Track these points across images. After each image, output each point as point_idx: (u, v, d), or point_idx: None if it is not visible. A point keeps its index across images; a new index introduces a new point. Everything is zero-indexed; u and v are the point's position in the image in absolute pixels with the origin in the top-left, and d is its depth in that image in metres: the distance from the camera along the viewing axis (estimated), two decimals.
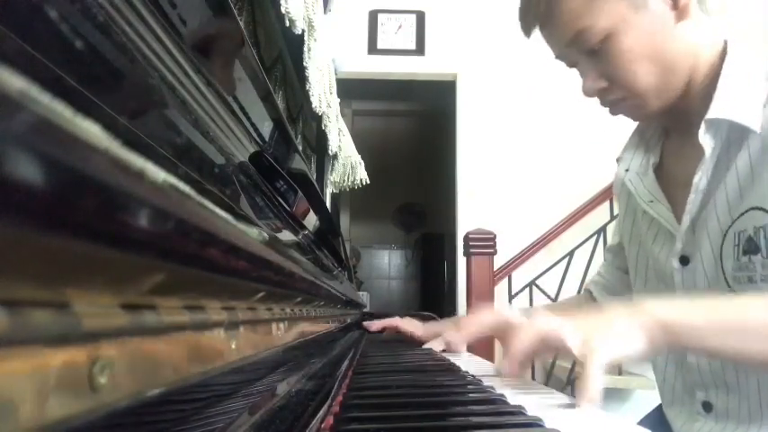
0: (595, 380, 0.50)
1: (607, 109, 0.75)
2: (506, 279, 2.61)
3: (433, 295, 5.01)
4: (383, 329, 1.22)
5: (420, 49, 3.33)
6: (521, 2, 0.74)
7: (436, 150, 4.88)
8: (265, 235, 0.30)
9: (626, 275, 0.94)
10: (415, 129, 5.53)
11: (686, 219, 0.73)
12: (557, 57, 0.75)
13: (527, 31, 0.75)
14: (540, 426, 0.39)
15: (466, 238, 2.35)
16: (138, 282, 0.17)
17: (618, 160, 0.87)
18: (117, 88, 0.22)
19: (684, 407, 0.78)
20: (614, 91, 0.71)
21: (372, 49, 3.33)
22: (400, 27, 3.35)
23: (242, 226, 0.25)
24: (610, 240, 1.01)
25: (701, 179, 0.70)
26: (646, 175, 0.81)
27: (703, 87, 0.70)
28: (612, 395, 2.49)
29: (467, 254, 2.35)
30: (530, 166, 3.17)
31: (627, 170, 0.84)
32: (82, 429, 0.13)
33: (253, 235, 0.26)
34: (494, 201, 3.16)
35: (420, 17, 3.35)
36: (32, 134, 0.10)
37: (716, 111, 0.67)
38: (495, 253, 2.35)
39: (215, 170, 0.33)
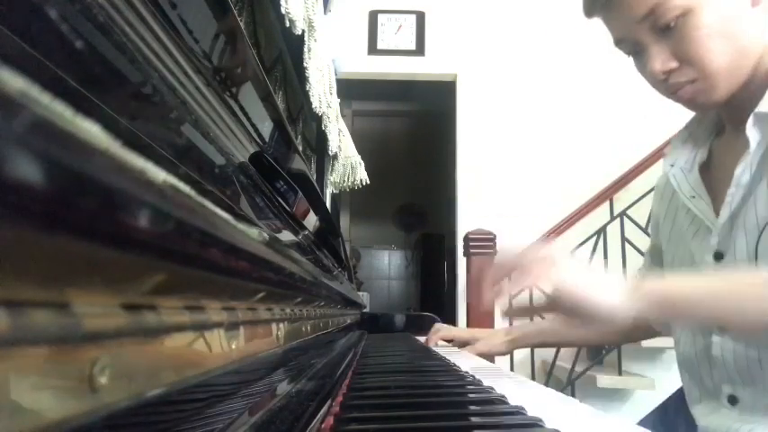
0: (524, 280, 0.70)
1: (670, 98, 0.74)
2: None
3: (433, 295, 5.01)
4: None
5: (420, 50, 3.33)
6: None
7: (436, 150, 4.88)
8: (265, 235, 0.29)
9: None
10: (415, 129, 5.52)
11: (724, 212, 0.72)
12: (618, 41, 0.74)
13: (592, 9, 0.74)
14: (540, 426, 0.39)
15: (466, 239, 2.35)
16: (138, 282, 0.17)
17: (664, 155, 0.86)
18: (117, 89, 0.22)
19: (710, 402, 0.79)
20: (685, 72, 0.70)
21: (372, 49, 3.33)
22: (400, 27, 3.35)
23: (242, 226, 0.24)
24: (648, 243, 1.01)
25: (743, 172, 0.70)
26: (691, 172, 0.81)
27: (763, 81, 0.70)
28: (612, 395, 2.49)
29: (467, 254, 2.35)
30: (530, 166, 3.17)
31: (672, 165, 0.83)
32: (82, 430, 0.13)
33: (253, 235, 0.26)
34: (494, 201, 3.16)
35: (420, 17, 3.35)
36: (32, 134, 0.10)
37: (767, 104, 0.67)
38: (495, 253, 2.35)
39: (215, 170, 0.33)
